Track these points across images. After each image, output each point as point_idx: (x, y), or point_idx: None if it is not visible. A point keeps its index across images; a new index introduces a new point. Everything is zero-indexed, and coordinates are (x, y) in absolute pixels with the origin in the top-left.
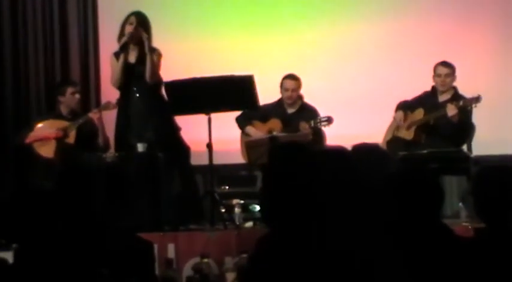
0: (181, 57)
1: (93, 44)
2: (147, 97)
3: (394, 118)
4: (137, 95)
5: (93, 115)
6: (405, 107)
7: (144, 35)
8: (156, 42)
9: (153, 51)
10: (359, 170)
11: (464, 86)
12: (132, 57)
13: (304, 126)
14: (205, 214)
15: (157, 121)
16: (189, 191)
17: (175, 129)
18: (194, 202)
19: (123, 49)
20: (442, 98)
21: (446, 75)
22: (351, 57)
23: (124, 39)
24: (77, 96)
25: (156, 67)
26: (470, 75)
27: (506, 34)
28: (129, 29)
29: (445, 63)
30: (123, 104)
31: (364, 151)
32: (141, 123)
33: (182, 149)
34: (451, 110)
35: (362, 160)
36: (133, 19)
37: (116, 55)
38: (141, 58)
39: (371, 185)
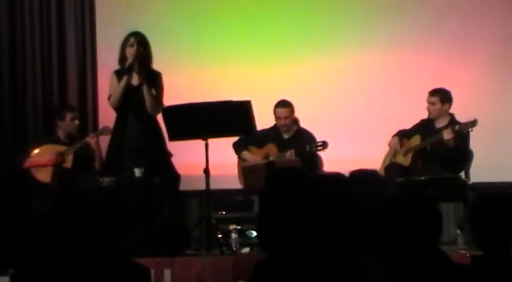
0: (179, 83)
1: (91, 67)
2: (143, 121)
3: (389, 144)
4: (133, 118)
5: (90, 139)
6: (402, 135)
7: (137, 67)
8: (153, 66)
9: (156, 76)
10: (357, 196)
11: (463, 112)
12: (135, 80)
13: (291, 154)
14: (201, 240)
15: (152, 146)
16: (178, 218)
17: (168, 155)
18: (182, 230)
19: (128, 71)
20: (439, 124)
21: (432, 104)
22: (350, 84)
23: (129, 61)
24: (76, 122)
25: (157, 94)
26: (468, 102)
27: (505, 60)
28: (130, 51)
29: (432, 92)
30: (118, 125)
31: (361, 177)
32: (135, 147)
33: (173, 176)
34: (447, 134)
35: (360, 186)
36: (133, 40)
37: (117, 74)
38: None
39: (369, 210)
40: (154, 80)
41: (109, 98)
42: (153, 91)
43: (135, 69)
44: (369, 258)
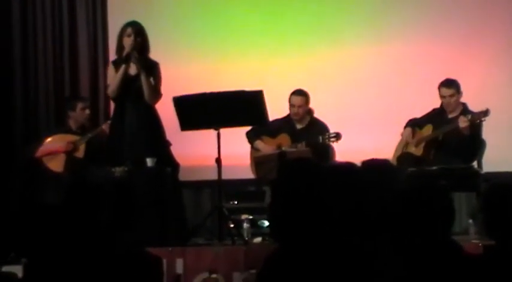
0: (192, 74)
1: (103, 57)
2: (141, 110)
3: (402, 135)
4: (131, 107)
5: (105, 127)
6: (414, 124)
7: (135, 57)
8: (166, 58)
9: (154, 66)
10: (368, 186)
11: (475, 103)
12: (133, 70)
13: (302, 145)
14: (213, 230)
15: (150, 135)
16: (178, 207)
17: (167, 145)
18: (182, 219)
19: (126, 61)
20: (451, 114)
21: (451, 96)
22: (361, 74)
23: (127, 50)
24: (87, 111)
25: (155, 84)
26: (480, 92)
27: None
28: (128, 41)
29: (447, 84)
30: (117, 116)
31: (374, 166)
32: (134, 137)
33: (173, 165)
34: (463, 122)
35: (372, 176)
36: (130, 30)
37: (115, 64)
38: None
39: (381, 200)
40: (151, 69)
41: (107, 88)
42: (154, 81)
43: (134, 59)
44: (380, 248)
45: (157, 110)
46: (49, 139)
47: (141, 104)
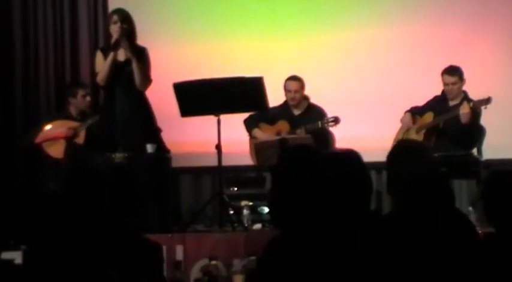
0: (190, 60)
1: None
2: (132, 96)
3: (402, 120)
4: (121, 93)
5: None
6: (415, 111)
7: (125, 43)
8: (165, 44)
9: (142, 52)
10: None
11: (475, 89)
12: (121, 56)
13: (301, 131)
14: (213, 216)
15: (141, 121)
16: (170, 193)
17: (157, 131)
18: (175, 205)
19: (114, 47)
20: (452, 102)
21: (453, 84)
22: (361, 59)
23: (115, 37)
24: (88, 99)
25: (145, 69)
26: (481, 79)
27: None
28: (114, 28)
29: (450, 71)
30: (107, 103)
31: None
32: (125, 123)
33: (163, 151)
34: (464, 109)
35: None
36: (116, 18)
37: (103, 51)
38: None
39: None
40: (140, 55)
41: (96, 76)
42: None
43: (124, 45)
44: (380, 235)
45: (148, 96)
46: (49, 125)
47: (132, 90)
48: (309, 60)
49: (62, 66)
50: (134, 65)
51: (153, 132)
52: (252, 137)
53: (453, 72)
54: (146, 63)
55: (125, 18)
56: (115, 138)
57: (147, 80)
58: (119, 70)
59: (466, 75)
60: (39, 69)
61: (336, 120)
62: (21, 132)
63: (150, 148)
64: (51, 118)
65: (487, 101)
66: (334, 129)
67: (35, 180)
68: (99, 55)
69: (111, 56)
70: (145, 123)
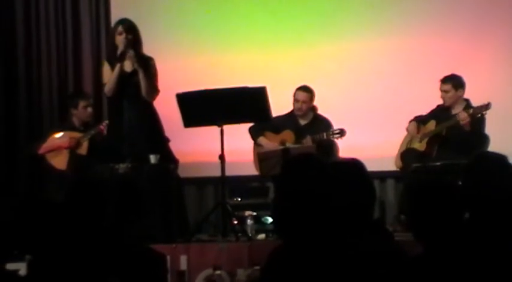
0: (194, 71)
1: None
2: (139, 107)
3: (407, 129)
4: (129, 104)
5: (103, 127)
6: (419, 120)
7: (131, 54)
8: (169, 54)
9: (148, 62)
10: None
11: (477, 98)
12: (128, 67)
13: (308, 140)
14: (217, 226)
15: (149, 132)
16: (178, 204)
17: (165, 141)
18: (183, 215)
19: (121, 59)
20: (455, 110)
21: (446, 91)
22: (364, 69)
23: (121, 48)
24: (89, 110)
25: (152, 80)
26: (483, 87)
27: None
28: (120, 38)
29: (443, 80)
30: (114, 113)
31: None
32: (133, 134)
33: (171, 161)
34: (463, 117)
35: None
36: (121, 29)
37: (109, 62)
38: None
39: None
40: (147, 65)
41: (103, 87)
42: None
43: (130, 57)
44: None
45: (155, 106)
46: (52, 136)
47: (139, 100)
48: (312, 70)
49: (64, 77)
50: (141, 76)
51: (160, 142)
52: (257, 145)
53: (447, 80)
54: (153, 73)
55: (130, 28)
56: (122, 149)
57: (154, 90)
58: (125, 81)
59: (468, 83)
60: (42, 80)
61: (342, 133)
62: (24, 142)
63: (153, 159)
64: (54, 129)
65: (486, 106)
66: (338, 139)
67: (38, 191)
68: (106, 66)
69: (118, 67)
70: (153, 133)
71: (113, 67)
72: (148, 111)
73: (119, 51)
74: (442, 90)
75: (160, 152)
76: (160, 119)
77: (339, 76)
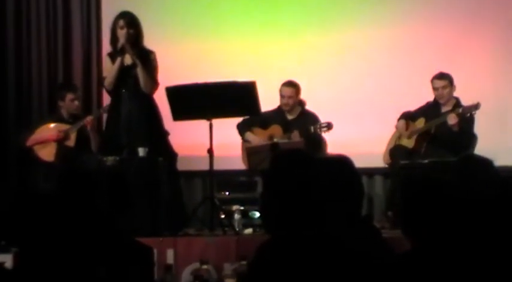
0: (183, 63)
1: (96, 47)
2: (138, 100)
3: (396, 127)
4: (128, 97)
5: (86, 122)
6: (408, 117)
7: (130, 49)
8: (158, 47)
9: (149, 55)
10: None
11: (467, 96)
12: (128, 59)
13: (296, 135)
14: (204, 220)
15: (148, 124)
16: (175, 196)
17: (164, 134)
18: (180, 208)
19: (121, 52)
20: (444, 108)
21: (443, 88)
22: (354, 64)
23: (121, 42)
24: (76, 103)
25: (152, 73)
26: (472, 85)
27: (508, 42)
28: (121, 32)
29: (439, 76)
30: (113, 105)
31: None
32: (131, 126)
33: (170, 154)
34: (452, 119)
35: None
36: (122, 23)
37: (111, 56)
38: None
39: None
40: (147, 58)
41: (103, 80)
42: (150, 70)
43: (129, 51)
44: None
45: (155, 99)
46: (40, 128)
47: (139, 93)
48: (302, 63)
49: (54, 68)
50: (138, 69)
51: (159, 135)
52: (244, 141)
53: (442, 76)
54: (153, 66)
55: (131, 22)
56: (121, 141)
57: (153, 83)
58: (125, 73)
59: (457, 81)
60: (32, 71)
61: (329, 126)
62: (13, 134)
63: (141, 152)
64: (43, 121)
65: (475, 106)
66: (326, 134)
67: (27, 183)
68: (107, 60)
69: (118, 61)
70: (151, 126)
71: (113, 60)
72: (148, 104)
73: (119, 45)
74: (438, 87)
75: (158, 145)
76: (159, 112)
77: (328, 69)
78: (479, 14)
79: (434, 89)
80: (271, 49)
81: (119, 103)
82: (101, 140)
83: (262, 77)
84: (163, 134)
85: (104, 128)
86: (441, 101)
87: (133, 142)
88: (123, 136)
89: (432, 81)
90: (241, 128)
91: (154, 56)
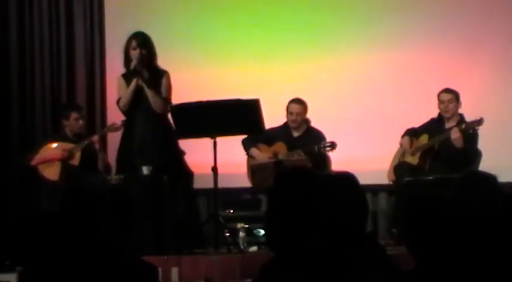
0: (187, 81)
1: (100, 66)
2: (153, 120)
3: (401, 143)
4: (142, 117)
5: (94, 139)
6: (412, 133)
7: (141, 71)
8: (163, 66)
9: (162, 75)
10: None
11: (471, 113)
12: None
13: (300, 153)
14: (209, 238)
15: (162, 144)
16: (191, 215)
17: (180, 153)
18: (196, 227)
19: (136, 74)
20: (448, 124)
21: (449, 101)
22: (360, 83)
23: (134, 63)
24: (81, 122)
25: (166, 93)
26: (476, 103)
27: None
28: (134, 53)
29: (447, 90)
30: (128, 125)
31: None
32: (145, 146)
33: (185, 173)
34: (455, 133)
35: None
36: (134, 44)
37: (125, 78)
38: (151, 81)
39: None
40: (160, 79)
41: (118, 102)
42: (162, 90)
43: (139, 73)
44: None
45: (169, 118)
46: (44, 147)
47: (153, 113)
48: (305, 83)
49: (58, 87)
50: (146, 90)
51: (173, 154)
52: (249, 156)
53: (449, 91)
54: (166, 86)
55: (143, 42)
56: (135, 161)
57: (165, 103)
58: (139, 93)
59: (462, 99)
60: (35, 90)
61: (333, 146)
62: (17, 153)
63: (145, 170)
64: (47, 140)
65: (478, 122)
66: (330, 152)
67: (31, 202)
68: (121, 81)
69: (134, 82)
70: (166, 145)
71: (127, 81)
72: (163, 123)
73: (132, 66)
74: (444, 100)
75: (174, 164)
76: (174, 132)
77: (332, 89)
78: (480, 34)
79: (441, 102)
80: (275, 70)
81: (133, 123)
82: (116, 160)
83: (266, 96)
84: (178, 153)
85: (117, 148)
86: (446, 115)
87: (148, 162)
88: (137, 156)
89: (439, 95)
90: (246, 144)
91: (168, 75)
